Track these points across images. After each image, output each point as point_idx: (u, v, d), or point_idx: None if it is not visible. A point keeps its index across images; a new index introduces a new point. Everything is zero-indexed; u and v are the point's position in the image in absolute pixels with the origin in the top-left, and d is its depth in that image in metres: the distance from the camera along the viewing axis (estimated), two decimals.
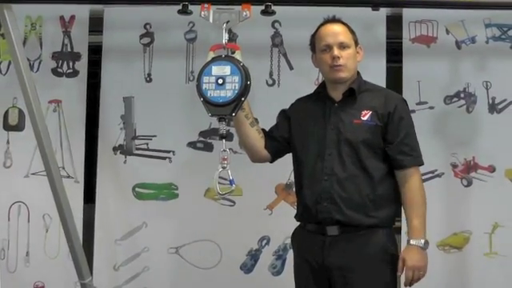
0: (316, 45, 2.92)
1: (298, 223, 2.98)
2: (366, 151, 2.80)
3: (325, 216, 2.80)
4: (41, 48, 3.99)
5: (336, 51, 2.83)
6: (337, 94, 2.90)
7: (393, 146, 2.83)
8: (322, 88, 2.99)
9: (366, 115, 2.83)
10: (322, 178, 2.82)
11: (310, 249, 2.86)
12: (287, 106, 3.09)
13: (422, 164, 2.91)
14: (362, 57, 2.94)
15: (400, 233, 3.74)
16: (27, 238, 3.94)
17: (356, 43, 2.91)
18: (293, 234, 3.02)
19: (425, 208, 2.83)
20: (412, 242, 2.77)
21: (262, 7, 2.94)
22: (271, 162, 3.06)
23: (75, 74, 3.96)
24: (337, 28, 2.88)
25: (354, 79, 2.90)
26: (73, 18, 3.97)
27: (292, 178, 3.10)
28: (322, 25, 2.93)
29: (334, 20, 2.93)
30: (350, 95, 2.88)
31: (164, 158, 3.93)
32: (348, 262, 2.77)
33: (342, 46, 2.84)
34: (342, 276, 2.78)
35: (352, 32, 2.90)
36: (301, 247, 2.95)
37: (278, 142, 3.00)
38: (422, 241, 2.77)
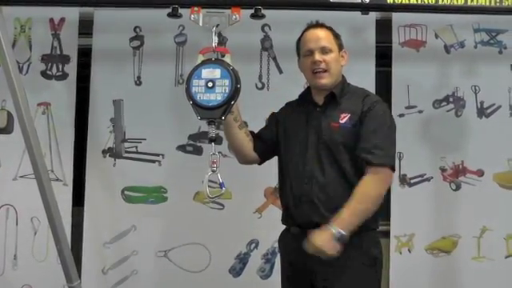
0: (300, 50, 2.95)
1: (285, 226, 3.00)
2: (345, 154, 2.80)
3: (305, 219, 2.82)
4: (30, 50, 3.97)
5: (317, 56, 2.85)
6: (320, 98, 2.93)
7: (358, 144, 2.79)
8: (306, 92, 3.02)
9: (344, 118, 2.84)
10: (302, 181, 2.84)
11: (293, 252, 2.88)
12: (276, 110, 3.10)
13: (385, 164, 2.78)
14: (347, 61, 2.96)
15: (389, 236, 3.77)
16: (15, 240, 3.92)
17: (340, 47, 2.93)
18: (279, 237, 3.03)
19: (365, 206, 2.71)
20: (329, 226, 2.66)
21: (252, 11, 2.96)
22: (259, 164, 3.08)
23: (64, 76, 3.95)
24: (319, 33, 2.90)
25: (337, 83, 2.92)
26: (62, 20, 3.96)
27: None
28: (305, 30, 2.96)
29: (317, 25, 2.95)
30: (331, 99, 2.89)
31: (153, 161, 3.92)
32: (329, 265, 2.75)
33: (325, 51, 2.86)
34: (323, 279, 2.79)
35: (336, 36, 2.93)
36: (285, 250, 2.98)
37: (266, 145, 3.01)
38: (339, 230, 2.64)
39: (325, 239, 2.65)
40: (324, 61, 2.85)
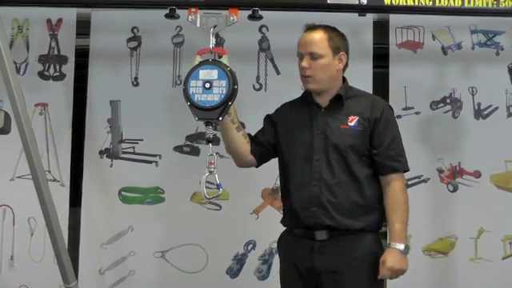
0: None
1: (284, 228, 2.99)
2: (354, 156, 2.82)
3: (314, 221, 2.81)
4: (27, 51, 3.97)
5: (304, 62, 2.83)
6: (322, 100, 2.91)
7: (380, 152, 2.84)
8: (307, 93, 2.99)
9: (352, 121, 2.85)
10: (310, 183, 2.83)
11: (297, 253, 2.87)
12: (274, 111, 3.10)
13: (408, 170, 2.93)
14: (345, 64, 2.92)
15: (387, 238, 3.76)
16: (12, 241, 3.91)
17: (337, 50, 2.87)
18: (279, 238, 3.02)
19: (407, 213, 2.84)
20: (392, 245, 2.78)
21: (250, 12, 2.96)
22: (257, 167, 3.06)
23: (62, 77, 3.95)
24: (312, 37, 2.85)
25: (340, 85, 2.91)
26: (60, 21, 3.96)
27: (278, 183, 3.10)
28: (304, 31, 2.93)
29: (312, 27, 2.90)
30: (336, 101, 2.89)
31: (150, 162, 3.92)
32: (337, 266, 2.78)
33: (313, 57, 2.82)
34: (330, 279, 2.80)
35: (331, 39, 2.86)
36: (288, 252, 2.95)
37: (263, 147, 3.00)
38: (403, 245, 2.78)
39: (399, 259, 2.77)
40: (310, 67, 2.83)
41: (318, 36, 2.85)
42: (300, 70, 2.87)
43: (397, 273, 2.78)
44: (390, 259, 2.76)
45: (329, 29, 2.90)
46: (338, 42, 2.89)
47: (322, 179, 2.81)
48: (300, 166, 2.87)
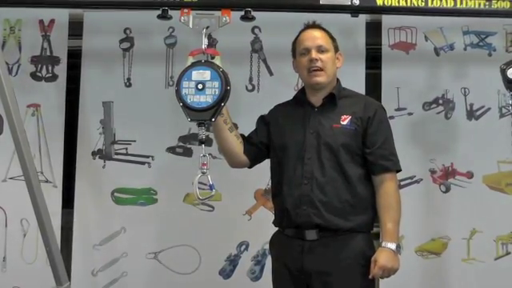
0: (296, 49, 2.95)
1: (277, 229, 2.99)
2: (345, 155, 2.83)
3: (304, 220, 2.82)
4: (20, 52, 3.96)
5: (314, 54, 2.86)
6: (316, 99, 2.92)
7: (372, 151, 2.85)
8: (301, 93, 3.01)
9: (345, 120, 2.86)
10: (301, 182, 2.84)
11: (288, 254, 2.87)
12: (267, 112, 3.10)
13: (400, 170, 2.94)
14: (342, 63, 2.97)
15: (379, 238, 3.77)
16: (4, 242, 3.90)
17: (336, 49, 2.94)
18: (271, 239, 3.02)
19: (399, 213, 2.85)
20: (384, 244, 2.79)
21: (242, 13, 2.96)
22: (250, 168, 3.07)
23: (54, 78, 3.94)
24: (316, 33, 2.92)
25: (333, 85, 2.93)
26: (52, 21, 3.95)
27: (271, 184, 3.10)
28: (302, 30, 2.97)
29: (313, 25, 2.97)
30: (329, 100, 2.90)
31: (143, 163, 3.91)
32: (327, 267, 2.79)
33: (321, 50, 2.87)
34: (320, 280, 2.80)
35: (332, 38, 2.94)
36: (279, 252, 2.95)
37: (256, 148, 3.01)
38: (395, 244, 2.79)
39: (391, 259, 2.78)
40: (320, 59, 2.86)
41: (322, 33, 2.94)
42: (307, 64, 2.88)
43: (388, 272, 2.78)
44: (381, 258, 2.76)
45: (326, 29, 2.97)
46: (335, 41, 2.97)
47: (313, 178, 2.82)
48: (292, 165, 2.88)
